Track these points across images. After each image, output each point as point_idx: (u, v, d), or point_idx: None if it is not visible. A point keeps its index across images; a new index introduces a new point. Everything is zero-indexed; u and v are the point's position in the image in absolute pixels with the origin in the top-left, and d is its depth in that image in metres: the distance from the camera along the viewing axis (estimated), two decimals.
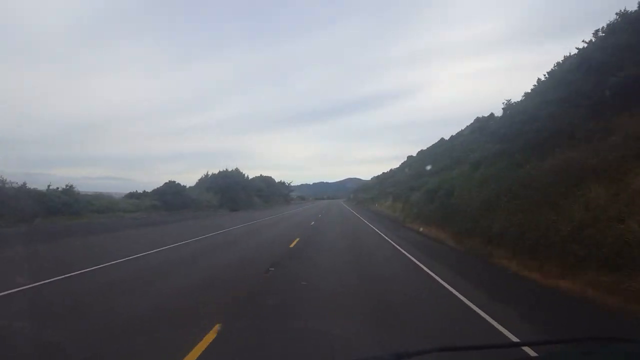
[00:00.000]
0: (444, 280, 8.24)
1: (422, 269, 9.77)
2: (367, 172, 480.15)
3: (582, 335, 1.59)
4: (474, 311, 5.99)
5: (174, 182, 43.78)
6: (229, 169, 60.91)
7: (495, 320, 5.44)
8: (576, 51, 15.73)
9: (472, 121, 56.68)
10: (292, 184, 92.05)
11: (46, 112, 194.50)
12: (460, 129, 57.63)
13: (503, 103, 18.29)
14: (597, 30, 14.62)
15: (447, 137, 57.79)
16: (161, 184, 43.13)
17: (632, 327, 5.34)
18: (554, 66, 18.41)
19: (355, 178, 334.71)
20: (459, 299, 6.76)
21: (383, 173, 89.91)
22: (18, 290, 7.15)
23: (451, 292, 7.23)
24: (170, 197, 40.58)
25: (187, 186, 48.15)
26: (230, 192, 53.59)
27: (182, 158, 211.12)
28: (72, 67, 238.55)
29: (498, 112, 23.61)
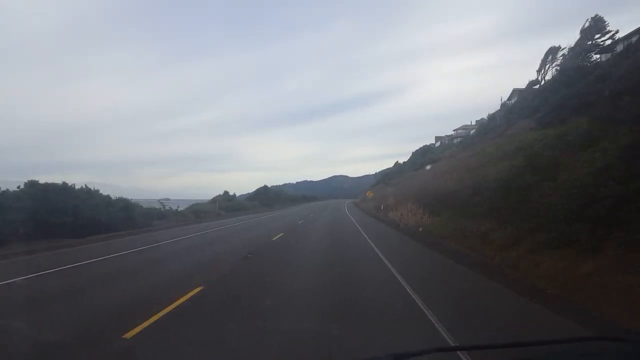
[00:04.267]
0: None
1: None
2: (354, 171, 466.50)
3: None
4: None
5: None
6: None
7: None
8: None
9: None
10: (275, 185, 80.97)
11: (27, 117, 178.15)
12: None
13: None
14: None
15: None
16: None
17: None
18: None
19: (343, 176, 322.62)
20: None
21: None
22: None
23: None
24: None
25: None
26: None
27: (166, 162, 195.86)
28: (55, 71, 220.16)
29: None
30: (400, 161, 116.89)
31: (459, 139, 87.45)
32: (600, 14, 43.03)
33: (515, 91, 67.34)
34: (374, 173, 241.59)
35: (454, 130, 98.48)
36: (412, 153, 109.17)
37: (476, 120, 74.73)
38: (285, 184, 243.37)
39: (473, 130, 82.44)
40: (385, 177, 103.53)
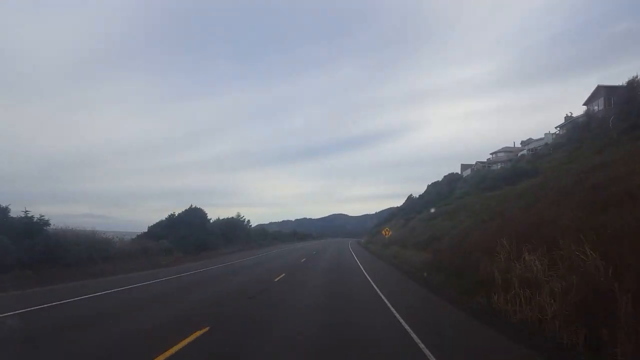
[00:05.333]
0: None
1: None
2: (353, 210, 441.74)
3: None
4: None
5: None
6: None
7: None
8: None
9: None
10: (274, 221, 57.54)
11: (26, 147, 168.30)
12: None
13: None
14: None
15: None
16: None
17: None
18: None
19: (342, 214, 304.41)
20: None
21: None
22: None
23: None
24: None
25: None
26: None
27: (167, 196, 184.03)
28: (55, 102, 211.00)
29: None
30: (415, 195, 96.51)
31: (500, 164, 67.55)
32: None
33: (601, 88, 46.66)
34: (374, 213, 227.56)
35: (491, 154, 78.59)
36: (428, 186, 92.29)
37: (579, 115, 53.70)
38: (284, 221, 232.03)
39: (523, 152, 62.34)
40: (401, 212, 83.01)
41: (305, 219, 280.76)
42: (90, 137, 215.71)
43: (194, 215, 29.41)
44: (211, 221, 33.03)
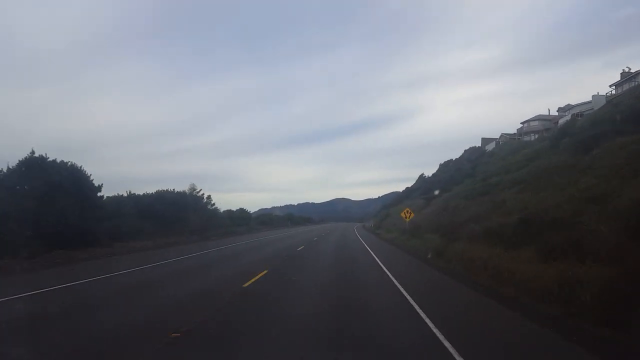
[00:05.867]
0: None
1: None
2: (356, 194, 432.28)
3: None
4: None
5: None
6: None
7: None
8: None
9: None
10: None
11: (27, 133, 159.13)
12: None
13: None
14: None
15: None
16: None
17: None
18: None
19: (345, 199, 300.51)
20: None
21: None
22: None
23: None
24: None
25: None
26: None
27: (171, 180, 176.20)
28: (58, 88, 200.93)
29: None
30: (427, 174, 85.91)
31: (534, 135, 57.35)
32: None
33: None
34: (377, 197, 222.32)
35: (522, 123, 67.55)
36: (440, 164, 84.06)
37: None
38: (286, 205, 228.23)
39: (566, 118, 51.41)
40: (414, 193, 72.34)
41: (308, 203, 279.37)
42: (92, 122, 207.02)
43: (39, 176, 14.37)
44: (101, 193, 19.56)
